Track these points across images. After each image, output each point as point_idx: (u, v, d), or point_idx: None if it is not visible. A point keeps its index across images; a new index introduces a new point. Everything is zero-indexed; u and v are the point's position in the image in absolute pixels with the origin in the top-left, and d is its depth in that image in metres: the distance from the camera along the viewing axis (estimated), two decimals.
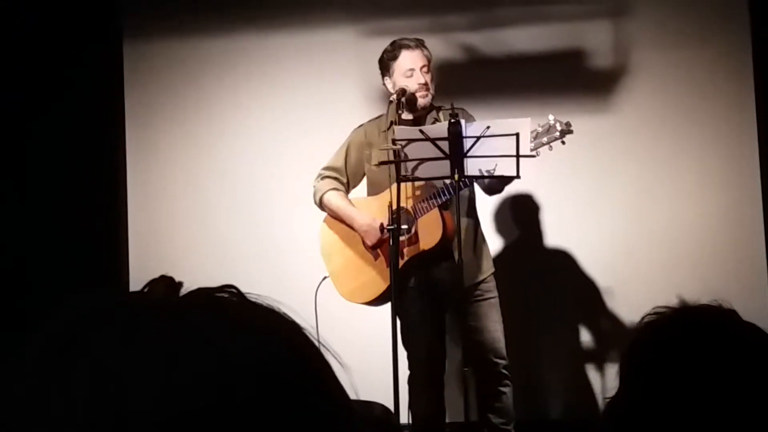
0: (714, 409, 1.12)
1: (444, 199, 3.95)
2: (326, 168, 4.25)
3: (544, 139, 3.82)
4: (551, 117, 3.84)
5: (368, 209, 4.13)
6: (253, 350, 0.59)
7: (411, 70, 4.05)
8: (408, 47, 4.08)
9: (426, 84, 4.03)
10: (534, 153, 3.77)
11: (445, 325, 4.16)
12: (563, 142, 3.82)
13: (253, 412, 0.57)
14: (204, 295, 0.64)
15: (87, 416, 0.55)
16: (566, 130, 3.81)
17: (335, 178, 4.21)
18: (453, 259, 3.97)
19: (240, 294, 0.64)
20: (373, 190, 4.18)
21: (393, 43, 4.13)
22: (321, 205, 4.22)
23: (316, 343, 0.63)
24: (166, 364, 0.57)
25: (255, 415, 0.57)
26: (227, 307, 0.63)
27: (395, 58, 4.09)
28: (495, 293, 4.12)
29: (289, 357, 0.61)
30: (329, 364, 0.63)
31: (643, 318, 1.22)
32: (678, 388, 1.14)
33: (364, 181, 4.28)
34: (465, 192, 3.98)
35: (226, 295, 0.64)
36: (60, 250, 5.07)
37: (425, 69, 4.06)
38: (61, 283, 4.82)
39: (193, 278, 0.67)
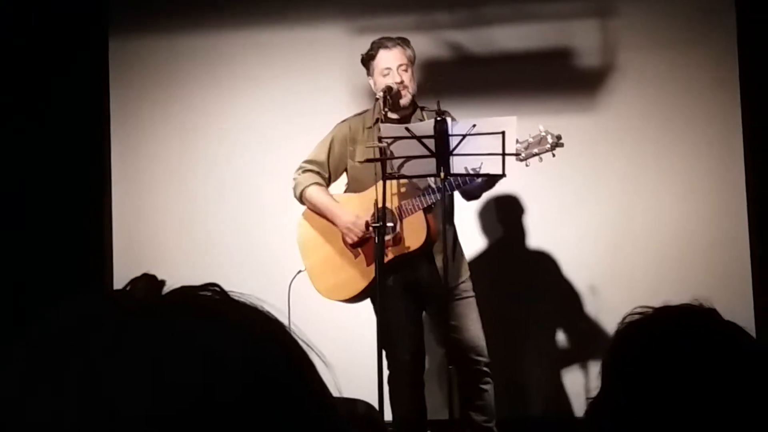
0: (695, 407, 1.13)
1: (430, 201, 3.96)
2: (308, 161, 4.23)
3: (535, 150, 3.87)
4: (542, 128, 3.88)
5: (351, 206, 4.12)
6: (238, 350, 0.59)
7: (388, 69, 4.07)
8: (385, 47, 4.11)
9: (402, 82, 4.05)
10: (526, 163, 3.83)
11: (422, 324, 4.17)
12: (554, 155, 3.87)
13: (240, 411, 0.57)
14: (187, 294, 0.64)
15: (75, 419, 0.55)
16: (557, 143, 3.86)
17: (317, 172, 4.20)
18: (432, 260, 4.00)
19: (223, 292, 0.64)
20: (355, 187, 4.18)
21: (372, 44, 4.17)
22: (301, 199, 4.21)
23: (300, 342, 0.64)
24: (153, 365, 0.57)
25: (241, 415, 0.57)
26: (211, 306, 0.63)
27: (373, 57, 4.13)
28: (472, 293, 4.14)
29: (273, 356, 0.61)
30: (313, 362, 0.64)
31: (624, 318, 1.23)
32: (659, 387, 1.15)
33: (343, 176, 4.27)
34: (446, 199, 4.00)
35: (209, 294, 0.64)
36: (43, 248, 5.05)
37: (403, 68, 4.07)
38: (44, 281, 4.80)
39: (177, 275, 0.67)
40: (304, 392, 0.61)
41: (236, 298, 0.64)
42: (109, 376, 0.56)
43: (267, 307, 0.64)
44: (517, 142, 3.85)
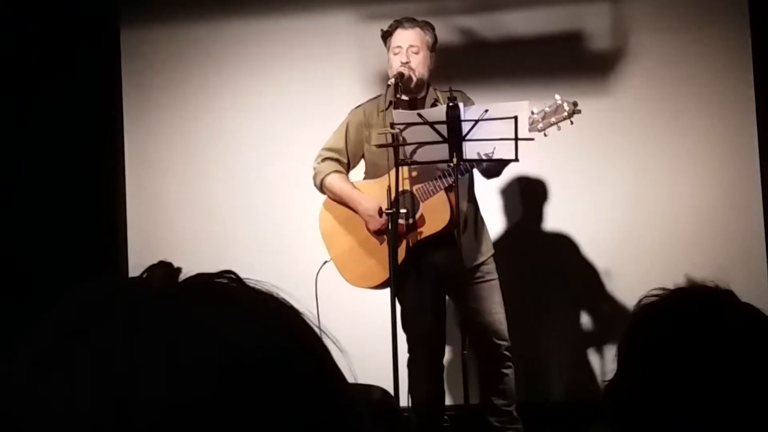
0: (712, 388, 1.13)
1: (449, 182, 3.93)
2: (327, 149, 4.22)
3: (553, 119, 3.83)
4: (558, 97, 3.85)
5: (370, 193, 4.11)
6: (253, 336, 0.60)
7: (398, 48, 4.07)
8: (402, 27, 4.10)
9: (408, 63, 4.03)
10: (532, 137, 3.80)
11: (445, 308, 4.16)
12: (572, 122, 3.83)
13: (254, 398, 0.57)
14: (203, 281, 0.64)
15: (90, 405, 0.55)
16: (573, 110, 3.82)
17: (336, 160, 4.19)
18: (454, 242, 3.98)
19: (239, 279, 0.64)
20: (373, 172, 4.17)
21: (394, 21, 4.16)
22: (322, 188, 4.20)
23: (315, 328, 0.64)
24: (169, 352, 0.57)
25: (256, 401, 0.57)
26: (226, 293, 0.63)
27: (389, 35, 4.13)
28: (495, 275, 4.12)
29: (289, 342, 0.61)
30: (328, 349, 0.64)
31: (640, 300, 1.22)
32: (676, 368, 1.15)
33: (361, 162, 4.27)
34: (465, 176, 3.99)
35: (225, 281, 0.64)
36: (59, 236, 5.07)
37: (414, 49, 4.05)
38: (60, 269, 4.82)
39: (192, 263, 0.67)
40: (319, 379, 0.61)
41: (252, 285, 0.64)
42: (124, 362, 0.57)
43: (283, 294, 0.64)
44: (533, 113, 3.82)
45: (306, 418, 0.59)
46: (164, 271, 0.64)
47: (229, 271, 0.64)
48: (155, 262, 0.66)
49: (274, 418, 0.58)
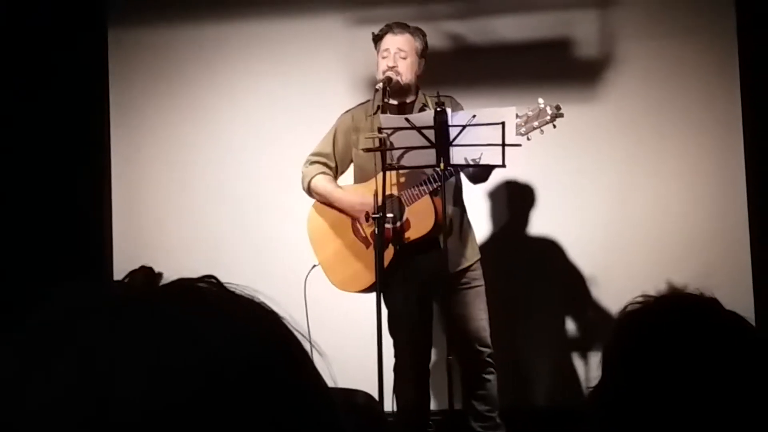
0: (696, 396, 1.13)
1: (434, 186, 3.95)
2: (314, 154, 4.24)
3: (535, 123, 3.87)
4: (541, 101, 3.88)
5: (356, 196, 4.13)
6: (232, 340, 0.60)
7: (386, 51, 4.09)
8: (393, 32, 4.13)
9: (395, 67, 4.04)
10: (519, 142, 3.82)
11: (431, 313, 4.17)
12: (554, 126, 3.86)
13: (233, 401, 0.57)
14: (184, 285, 0.64)
15: (70, 405, 0.56)
16: (556, 114, 3.86)
17: (323, 164, 4.21)
18: (440, 246, 3.99)
19: (219, 284, 0.65)
20: (361, 176, 4.18)
21: (385, 25, 4.19)
22: (309, 190, 4.22)
23: (295, 332, 0.64)
24: (148, 355, 0.57)
25: (235, 405, 0.57)
26: (206, 296, 0.64)
27: (380, 39, 4.15)
28: (481, 281, 4.14)
29: (267, 347, 0.62)
30: (308, 353, 0.64)
31: (625, 306, 1.22)
32: (660, 376, 1.15)
33: (351, 167, 4.27)
34: (452, 180, 4.01)
35: (205, 286, 0.64)
36: (43, 239, 5.05)
37: (402, 54, 4.08)
38: (44, 272, 4.80)
39: (178, 267, 0.67)
40: (299, 382, 0.62)
41: (232, 289, 0.65)
42: (105, 364, 0.57)
43: (262, 298, 0.64)
44: (517, 116, 3.85)
45: (284, 423, 0.59)
46: (145, 275, 0.65)
47: (210, 276, 0.65)
48: (139, 265, 0.66)
49: (252, 422, 0.58)
